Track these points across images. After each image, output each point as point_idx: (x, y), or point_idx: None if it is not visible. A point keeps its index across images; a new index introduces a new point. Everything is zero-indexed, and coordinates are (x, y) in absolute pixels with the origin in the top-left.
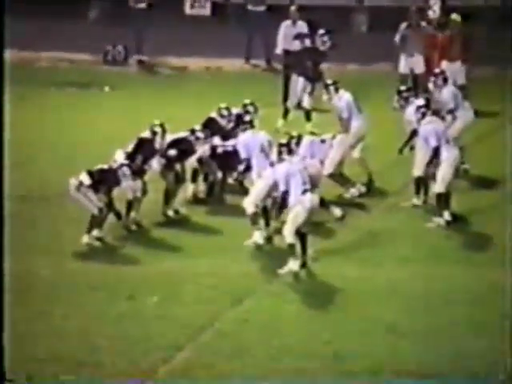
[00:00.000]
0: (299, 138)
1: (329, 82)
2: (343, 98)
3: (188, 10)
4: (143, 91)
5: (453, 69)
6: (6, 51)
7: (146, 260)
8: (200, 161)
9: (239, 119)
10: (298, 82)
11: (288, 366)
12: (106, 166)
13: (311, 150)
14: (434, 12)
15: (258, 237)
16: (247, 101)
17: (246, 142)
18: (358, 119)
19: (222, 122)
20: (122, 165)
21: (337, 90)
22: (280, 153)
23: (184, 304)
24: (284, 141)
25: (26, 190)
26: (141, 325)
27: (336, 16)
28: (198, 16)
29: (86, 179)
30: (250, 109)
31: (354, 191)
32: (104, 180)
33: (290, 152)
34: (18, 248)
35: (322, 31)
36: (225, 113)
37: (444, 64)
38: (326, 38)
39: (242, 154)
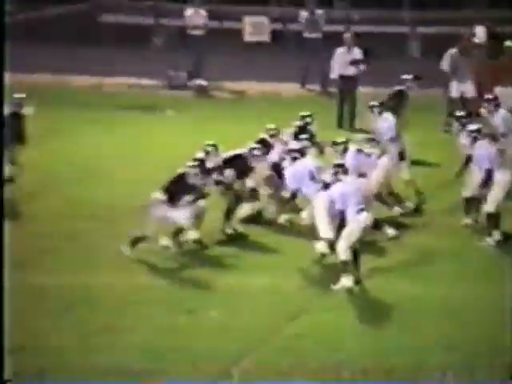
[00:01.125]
0: (346, 146)
1: (373, 103)
2: (388, 119)
3: (247, 37)
4: (203, 114)
5: (505, 94)
6: (77, 78)
7: (206, 276)
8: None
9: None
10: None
11: (344, 381)
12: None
13: (356, 161)
14: (480, 38)
15: (347, 281)
16: (305, 113)
17: (293, 172)
18: (397, 142)
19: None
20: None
21: (380, 112)
22: (336, 173)
23: (242, 319)
24: (339, 161)
25: (95, 207)
26: (200, 338)
27: (390, 42)
28: (257, 42)
29: (160, 196)
30: (308, 120)
31: (397, 209)
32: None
33: (346, 172)
34: (86, 264)
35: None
36: (273, 133)
37: (497, 89)
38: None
39: (291, 185)
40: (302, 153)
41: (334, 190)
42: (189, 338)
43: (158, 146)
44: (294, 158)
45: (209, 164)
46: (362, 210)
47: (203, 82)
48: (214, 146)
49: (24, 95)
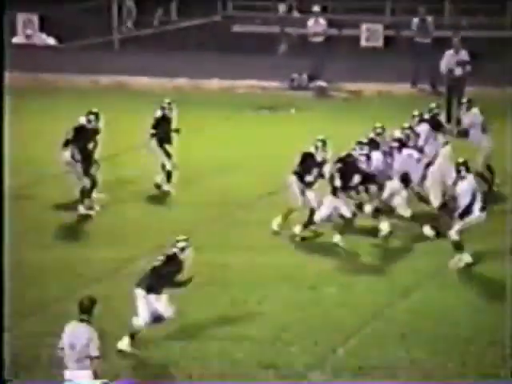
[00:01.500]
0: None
1: (463, 100)
2: (475, 114)
3: (363, 43)
4: (323, 113)
5: None
6: (211, 81)
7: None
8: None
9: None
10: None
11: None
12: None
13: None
14: None
15: (466, 257)
16: (416, 112)
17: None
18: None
19: (379, 140)
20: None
21: (468, 108)
22: (459, 171)
23: (358, 294)
24: (462, 160)
25: (233, 194)
26: (321, 312)
27: (496, 46)
28: (372, 47)
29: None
30: (436, 111)
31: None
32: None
33: (468, 170)
34: (215, 244)
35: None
36: (380, 131)
37: None
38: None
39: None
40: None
41: (461, 186)
42: (311, 311)
43: (282, 139)
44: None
45: (318, 157)
46: (484, 208)
47: (323, 84)
48: (322, 141)
49: (169, 100)
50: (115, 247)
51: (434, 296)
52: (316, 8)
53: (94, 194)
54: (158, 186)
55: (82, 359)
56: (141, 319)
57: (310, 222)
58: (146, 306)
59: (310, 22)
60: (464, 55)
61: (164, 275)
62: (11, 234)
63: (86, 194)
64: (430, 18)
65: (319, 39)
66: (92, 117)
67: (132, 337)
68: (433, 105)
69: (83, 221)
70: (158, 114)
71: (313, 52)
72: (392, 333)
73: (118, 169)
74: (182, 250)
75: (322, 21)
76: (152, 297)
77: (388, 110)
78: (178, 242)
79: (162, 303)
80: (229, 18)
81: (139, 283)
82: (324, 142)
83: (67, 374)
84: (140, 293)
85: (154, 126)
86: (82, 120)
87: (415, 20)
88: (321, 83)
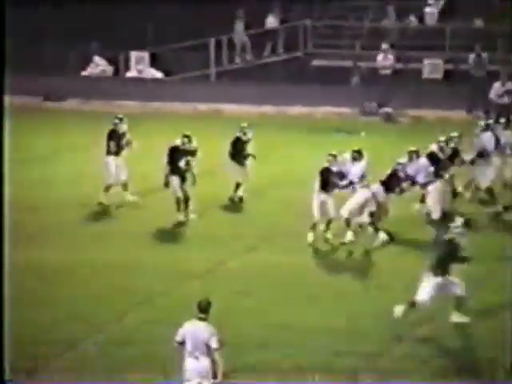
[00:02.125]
0: (417, 153)
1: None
2: (487, 136)
3: (426, 75)
4: (389, 135)
5: None
6: (295, 107)
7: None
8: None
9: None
10: None
11: None
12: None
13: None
14: None
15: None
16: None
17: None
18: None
19: (440, 154)
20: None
21: (483, 130)
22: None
23: None
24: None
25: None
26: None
27: None
28: (433, 79)
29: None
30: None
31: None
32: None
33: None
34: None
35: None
36: (443, 145)
37: None
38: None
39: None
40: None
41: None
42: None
43: None
44: None
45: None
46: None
47: (389, 110)
48: (358, 152)
49: (246, 124)
50: (208, 249)
51: None
52: (385, 45)
53: (190, 204)
54: (232, 200)
55: (202, 351)
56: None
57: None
58: (433, 285)
59: (380, 57)
60: (510, 86)
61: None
62: (125, 235)
63: (181, 204)
64: (484, 54)
65: (387, 72)
66: (185, 139)
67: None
68: (454, 134)
69: (181, 226)
70: (238, 136)
71: (381, 83)
72: None
73: (209, 184)
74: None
75: (390, 56)
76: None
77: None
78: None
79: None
80: (309, 55)
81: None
82: (359, 152)
83: (189, 363)
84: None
85: (233, 147)
86: (178, 142)
87: (471, 56)
88: (388, 110)
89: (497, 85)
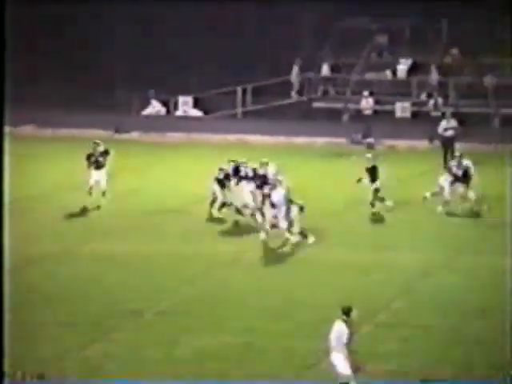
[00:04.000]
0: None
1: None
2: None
3: (397, 115)
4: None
5: None
6: (301, 137)
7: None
8: None
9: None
10: None
11: None
12: None
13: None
14: None
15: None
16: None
17: None
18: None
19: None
20: None
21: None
22: None
23: None
24: None
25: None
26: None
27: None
28: (403, 118)
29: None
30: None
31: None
32: None
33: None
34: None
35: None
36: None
37: None
38: None
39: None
40: None
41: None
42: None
43: (342, 174)
44: None
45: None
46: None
47: (371, 140)
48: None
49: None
50: (231, 243)
51: None
52: (366, 93)
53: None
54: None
55: (341, 348)
56: None
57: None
58: None
59: (363, 102)
60: (453, 122)
61: None
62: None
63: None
64: (440, 100)
65: (369, 112)
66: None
67: None
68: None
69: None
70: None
71: (365, 120)
72: None
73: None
74: None
75: (370, 100)
76: None
77: (411, 157)
78: None
79: None
80: (311, 99)
81: None
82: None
83: (333, 356)
84: None
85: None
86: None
87: (431, 101)
88: (370, 140)
89: (443, 122)
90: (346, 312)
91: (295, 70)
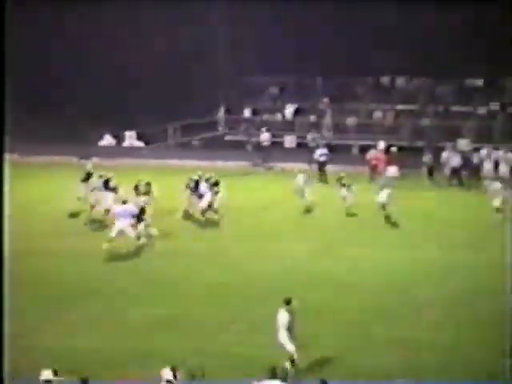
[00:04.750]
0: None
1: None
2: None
3: (286, 145)
4: (268, 176)
5: None
6: (218, 162)
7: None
8: None
9: None
10: None
11: None
12: None
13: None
14: None
15: None
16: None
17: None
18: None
19: None
20: None
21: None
22: None
23: None
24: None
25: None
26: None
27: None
28: (290, 147)
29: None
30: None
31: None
32: None
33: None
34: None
35: None
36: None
37: None
38: None
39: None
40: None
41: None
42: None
43: (247, 189)
44: None
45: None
46: None
47: (269, 164)
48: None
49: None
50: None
51: None
52: (263, 129)
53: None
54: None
55: (284, 331)
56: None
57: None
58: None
59: (262, 135)
60: (325, 150)
61: None
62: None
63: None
64: (316, 134)
65: (267, 144)
66: (142, 183)
67: None
68: (208, 174)
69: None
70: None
71: (264, 150)
72: None
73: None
74: None
75: (267, 135)
76: None
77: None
78: None
79: None
80: (224, 133)
81: None
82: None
83: (279, 337)
84: None
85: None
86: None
87: (309, 135)
88: (269, 164)
89: (318, 151)
90: (287, 302)
91: (221, 111)
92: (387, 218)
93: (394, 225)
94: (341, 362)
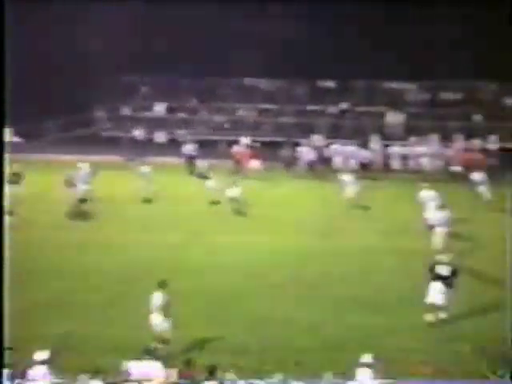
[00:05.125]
0: None
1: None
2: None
3: (159, 140)
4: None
5: None
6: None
7: None
8: None
9: None
10: None
11: None
12: None
13: None
14: None
15: None
16: None
17: None
18: None
19: None
20: None
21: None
22: None
23: None
24: None
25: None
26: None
27: None
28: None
29: None
30: None
31: None
32: None
33: None
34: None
35: None
36: None
37: None
38: None
39: None
40: None
41: None
42: None
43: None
44: None
45: None
46: None
47: (143, 159)
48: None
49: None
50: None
51: None
52: (139, 127)
53: None
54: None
55: (158, 310)
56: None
57: None
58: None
59: (136, 132)
60: (194, 146)
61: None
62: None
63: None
64: (184, 131)
65: (141, 139)
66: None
67: None
68: None
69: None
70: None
71: (138, 145)
72: None
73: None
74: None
75: (143, 131)
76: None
77: (167, 168)
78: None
79: None
80: (100, 129)
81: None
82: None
83: (153, 317)
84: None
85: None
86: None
87: (179, 131)
88: (142, 159)
89: (186, 146)
90: (161, 284)
91: (98, 108)
92: (241, 208)
93: (242, 213)
94: (208, 342)
